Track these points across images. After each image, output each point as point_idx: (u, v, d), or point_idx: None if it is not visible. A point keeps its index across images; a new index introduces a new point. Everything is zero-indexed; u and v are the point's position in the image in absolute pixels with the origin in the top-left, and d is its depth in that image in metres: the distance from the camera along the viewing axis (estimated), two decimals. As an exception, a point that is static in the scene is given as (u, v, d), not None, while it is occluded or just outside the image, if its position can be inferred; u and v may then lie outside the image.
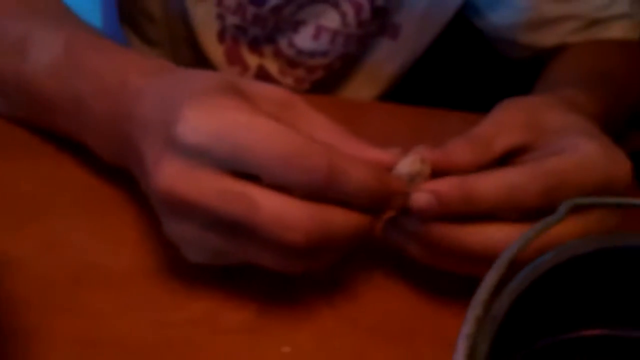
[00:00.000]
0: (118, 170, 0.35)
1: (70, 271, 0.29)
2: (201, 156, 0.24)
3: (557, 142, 0.29)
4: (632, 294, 0.21)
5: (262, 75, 0.55)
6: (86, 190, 0.34)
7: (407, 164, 0.27)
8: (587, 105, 0.36)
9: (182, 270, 0.30)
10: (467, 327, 0.15)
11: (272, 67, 0.55)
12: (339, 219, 0.25)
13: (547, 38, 0.54)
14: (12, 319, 0.26)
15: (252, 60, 0.54)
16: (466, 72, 0.68)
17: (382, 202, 0.26)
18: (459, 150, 0.28)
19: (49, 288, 0.28)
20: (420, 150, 0.28)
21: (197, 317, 0.28)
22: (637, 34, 0.54)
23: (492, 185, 0.26)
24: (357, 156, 0.26)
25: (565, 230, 0.24)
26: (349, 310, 0.30)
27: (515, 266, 0.17)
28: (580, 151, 0.28)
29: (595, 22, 0.53)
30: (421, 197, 0.26)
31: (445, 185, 0.26)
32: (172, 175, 0.25)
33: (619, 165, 0.29)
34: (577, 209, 0.22)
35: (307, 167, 0.24)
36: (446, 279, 0.30)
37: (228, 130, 0.24)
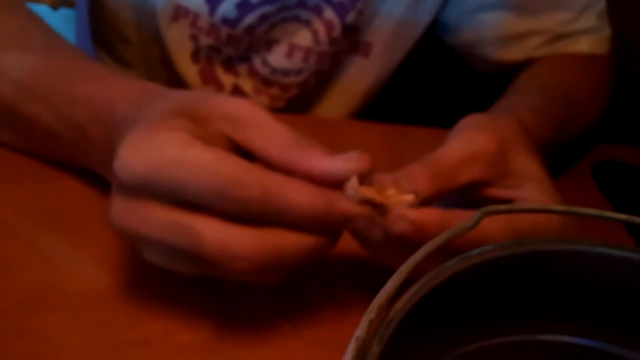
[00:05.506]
0: (80, 194, 0.35)
1: (26, 294, 0.29)
2: (143, 192, 0.25)
3: (518, 188, 0.31)
4: (542, 298, 0.21)
5: (237, 94, 0.55)
6: (47, 214, 0.34)
7: (352, 189, 0.26)
8: (534, 130, 0.37)
9: (138, 291, 0.30)
10: (359, 329, 0.15)
11: (247, 86, 0.55)
12: (288, 242, 0.25)
13: (515, 53, 0.55)
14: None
15: (227, 79, 0.55)
16: (438, 87, 0.69)
17: (335, 223, 0.26)
18: (421, 178, 0.28)
19: (4, 313, 0.28)
20: (397, 177, 0.28)
21: (152, 336, 0.28)
22: (603, 49, 0.55)
23: None
24: (309, 170, 0.26)
25: None
26: (309, 327, 0.30)
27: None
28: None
29: (561, 37, 0.54)
30: (402, 224, 0.26)
31: (427, 217, 0.27)
32: (121, 212, 0.25)
33: (568, 218, 0.30)
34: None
35: (239, 197, 0.24)
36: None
37: (160, 168, 0.24)
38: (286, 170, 0.26)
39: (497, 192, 0.31)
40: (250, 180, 0.24)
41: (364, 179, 0.27)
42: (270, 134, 0.27)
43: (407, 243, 0.27)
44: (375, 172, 0.28)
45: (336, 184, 0.26)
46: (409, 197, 0.27)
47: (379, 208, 0.27)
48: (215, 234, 0.24)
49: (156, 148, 0.24)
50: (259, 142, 0.27)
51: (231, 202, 0.24)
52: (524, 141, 0.33)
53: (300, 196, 0.25)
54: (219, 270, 0.25)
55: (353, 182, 0.26)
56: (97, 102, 0.31)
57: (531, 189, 0.30)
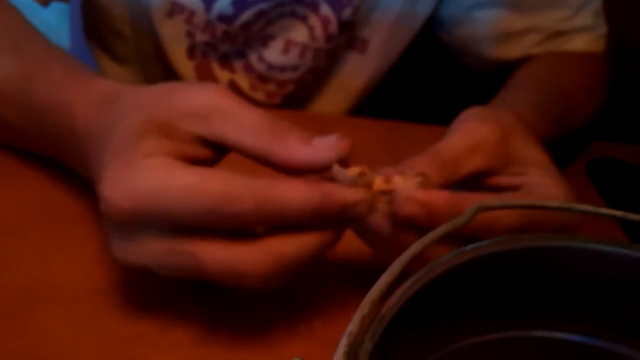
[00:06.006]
0: (74, 189, 0.35)
1: (19, 290, 0.29)
2: (136, 226, 0.24)
3: (523, 175, 0.30)
4: (536, 294, 0.21)
5: (233, 90, 0.55)
6: (42, 209, 0.34)
7: (339, 174, 0.25)
8: (533, 124, 0.37)
9: (132, 287, 0.30)
10: (351, 325, 0.15)
11: (243, 82, 0.55)
12: (292, 247, 0.25)
13: (511, 51, 0.55)
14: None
15: (223, 75, 0.55)
16: (435, 84, 0.69)
17: (334, 213, 0.25)
18: (426, 170, 0.28)
19: (-3, 308, 0.28)
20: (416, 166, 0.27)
21: (146, 332, 0.28)
22: (599, 47, 0.55)
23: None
24: (287, 161, 0.25)
25: None
26: (304, 322, 0.30)
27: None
28: (553, 195, 0.29)
29: (557, 35, 0.54)
30: (411, 206, 0.26)
31: (436, 199, 0.26)
32: (121, 248, 0.25)
33: (573, 198, 0.30)
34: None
35: (235, 213, 0.23)
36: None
37: (148, 200, 0.24)
38: (264, 160, 0.26)
39: (502, 180, 0.31)
40: (241, 193, 0.23)
41: (347, 161, 0.26)
42: (241, 121, 0.25)
43: (413, 230, 0.26)
44: (376, 168, 0.27)
45: (319, 171, 0.25)
46: (417, 179, 0.27)
47: (386, 194, 0.26)
48: (216, 257, 0.24)
49: (139, 180, 0.24)
50: (230, 134, 0.25)
51: (228, 219, 0.23)
52: (524, 130, 0.33)
53: (294, 194, 0.24)
54: (229, 283, 0.25)
55: (338, 167, 0.25)
56: (56, 109, 0.30)
57: (537, 174, 0.30)
